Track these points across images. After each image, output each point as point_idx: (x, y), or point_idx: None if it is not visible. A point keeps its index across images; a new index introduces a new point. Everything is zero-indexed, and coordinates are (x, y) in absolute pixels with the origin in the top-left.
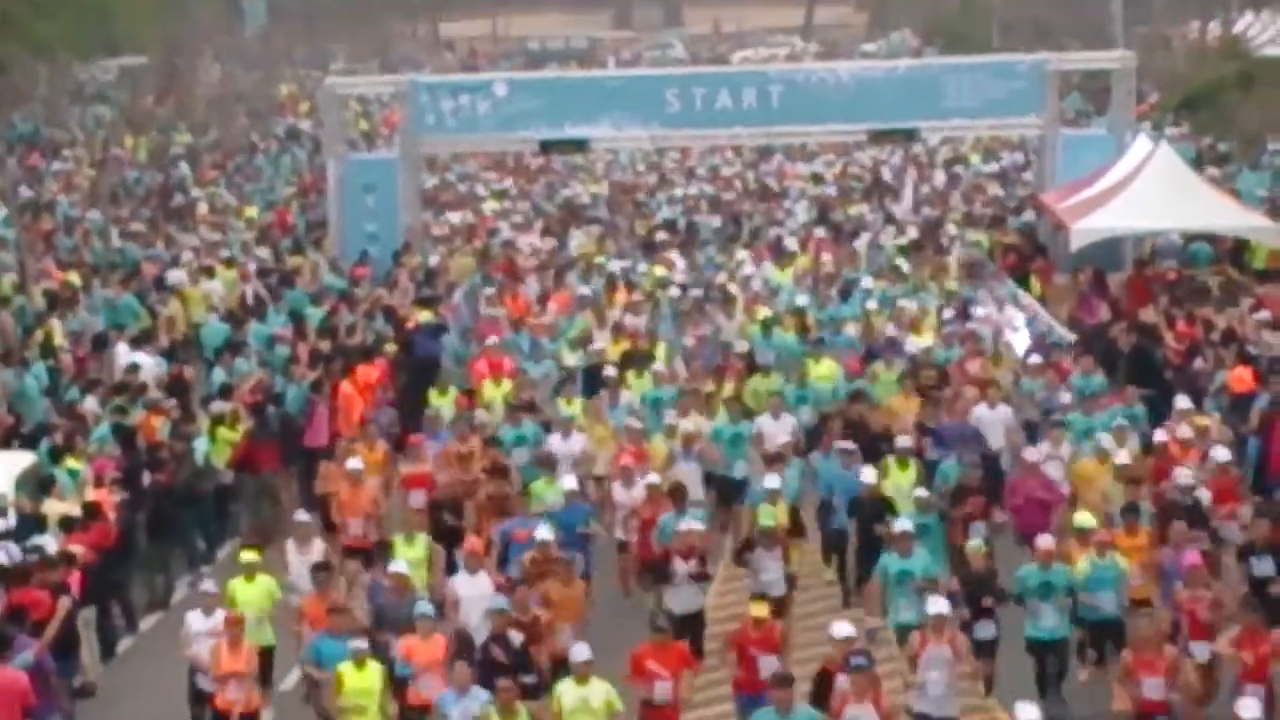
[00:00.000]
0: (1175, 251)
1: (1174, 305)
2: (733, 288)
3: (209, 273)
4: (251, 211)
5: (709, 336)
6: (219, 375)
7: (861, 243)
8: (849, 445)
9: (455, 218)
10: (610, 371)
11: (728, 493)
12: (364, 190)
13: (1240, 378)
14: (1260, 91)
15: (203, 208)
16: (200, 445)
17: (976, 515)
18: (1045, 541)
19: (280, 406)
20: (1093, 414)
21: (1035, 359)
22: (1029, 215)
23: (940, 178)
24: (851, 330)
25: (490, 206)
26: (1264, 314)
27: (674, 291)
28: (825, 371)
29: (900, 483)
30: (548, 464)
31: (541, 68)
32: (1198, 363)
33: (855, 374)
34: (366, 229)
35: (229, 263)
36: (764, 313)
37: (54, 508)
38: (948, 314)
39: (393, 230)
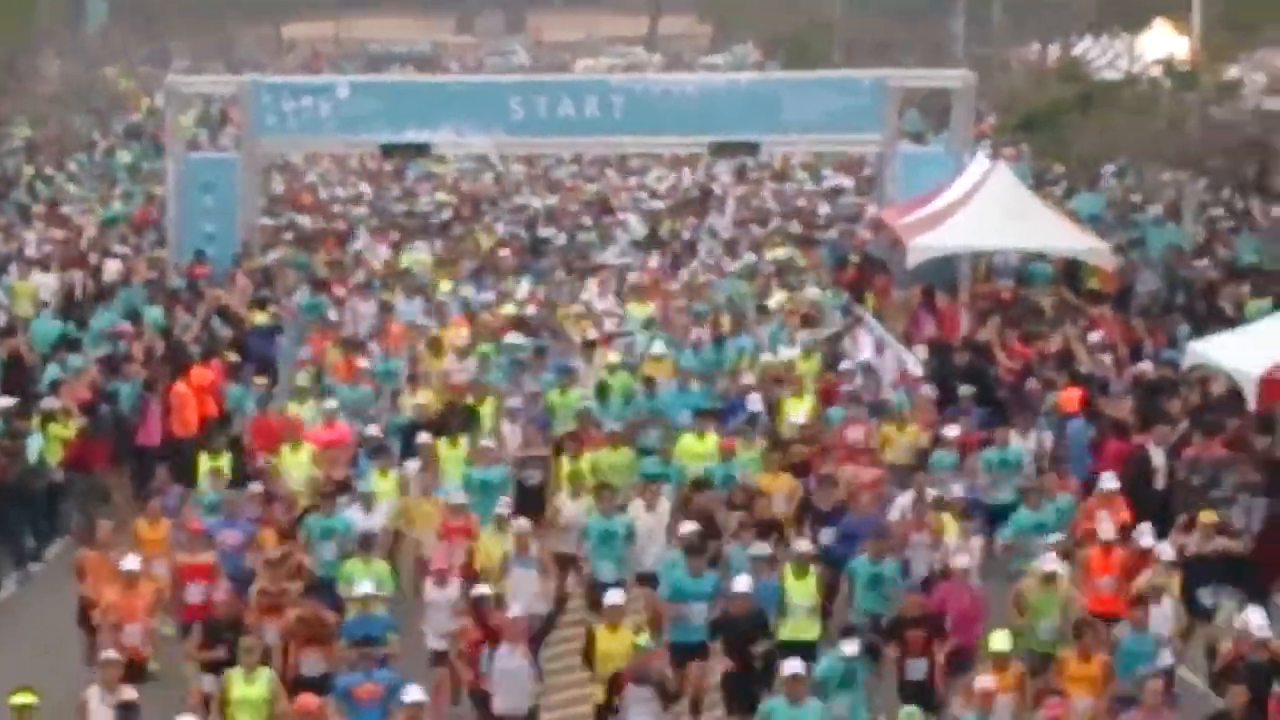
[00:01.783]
0: (1011, 271)
1: (1008, 325)
2: (590, 330)
3: (44, 267)
4: (116, 206)
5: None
6: (52, 371)
7: (696, 266)
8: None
9: (306, 221)
10: (424, 438)
11: (597, 596)
12: (203, 190)
13: (1070, 399)
14: (1098, 114)
15: (39, 206)
16: (33, 442)
17: (917, 652)
18: (983, 683)
19: (113, 405)
20: (1038, 507)
21: (951, 431)
22: (840, 230)
23: (767, 193)
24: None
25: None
26: (1097, 335)
27: (511, 337)
28: (707, 448)
29: (799, 598)
30: (365, 545)
31: (383, 71)
32: (1030, 383)
33: (728, 453)
34: (205, 229)
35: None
36: (612, 359)
37: None
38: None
39: (231, 231)
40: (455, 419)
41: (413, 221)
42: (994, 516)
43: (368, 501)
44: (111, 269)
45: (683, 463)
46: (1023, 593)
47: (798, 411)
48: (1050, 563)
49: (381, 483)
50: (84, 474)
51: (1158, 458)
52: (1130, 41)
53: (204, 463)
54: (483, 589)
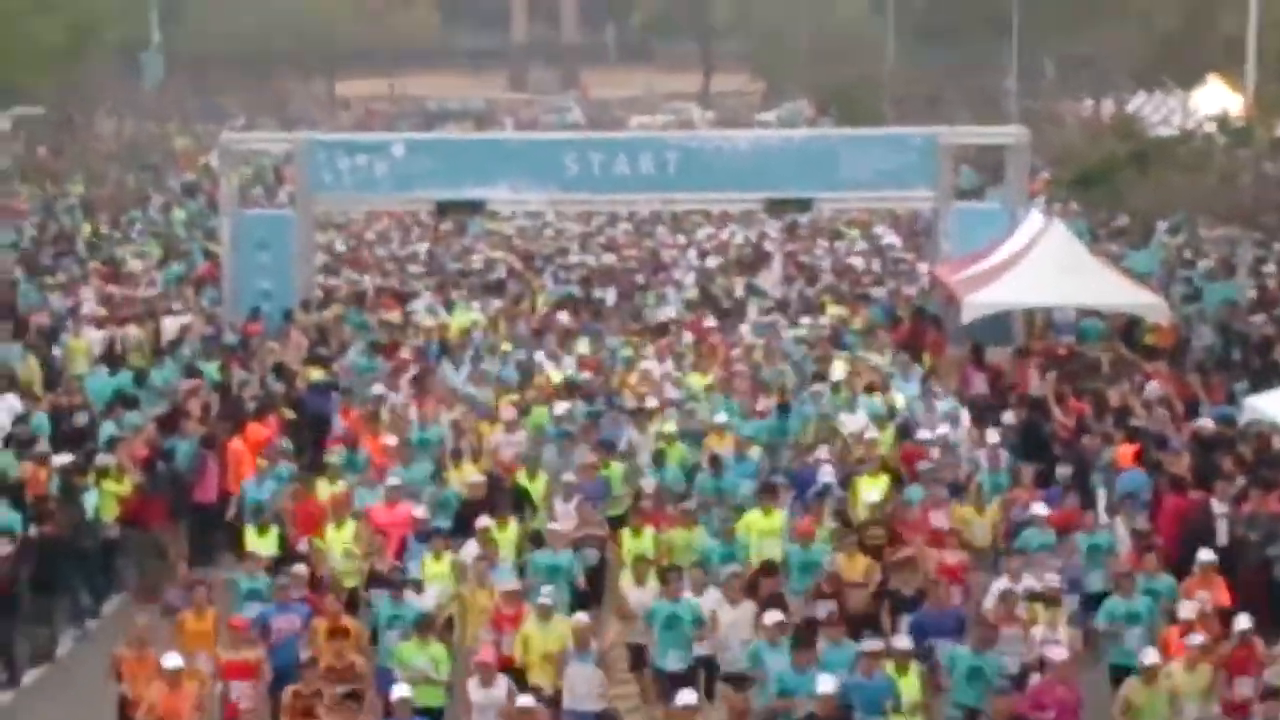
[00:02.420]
0: (1067, 327)
1: (1064, 381)
2: (648, 398)
3: (99, 325)
4: (174, 266)
5: (595, 467)
6: (109, 428)
7: (747, 328)
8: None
9: (365, 279)
10: (484, 522)
11: (667, 689)
12: (258, 246)
13: (1125, 454)
14: (1153, 170)
15: (95, 263)
16: (89, 499)
17: None
18: None
19: (170, 462)
20: (1130, 595)
21: (1040, 510)
22: (888, 289)
23: (820, 250)
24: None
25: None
26: (1154, 391)
27: (561, 407)
28: (774, 524)
29: (906, 696)
30: (422, 628)
31: (437, 128)
32: (1085, 439)
33: (807, 537)
34: (260, 285)
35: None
36: (668, 428)
37: None
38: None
39: (286, 287)
40: (504, 498)
41: (466, 280)
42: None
43: (418, 586)
44: (170, 327)
45: (748, 539)
46: (1126, 693)
47: (873, 490)
48: (1150, 656)
49: (434, 567)
50: (141, 530)
51: (1220, 512)
52: (1184, 98)
53: (250, 540)
54: (527, 700)
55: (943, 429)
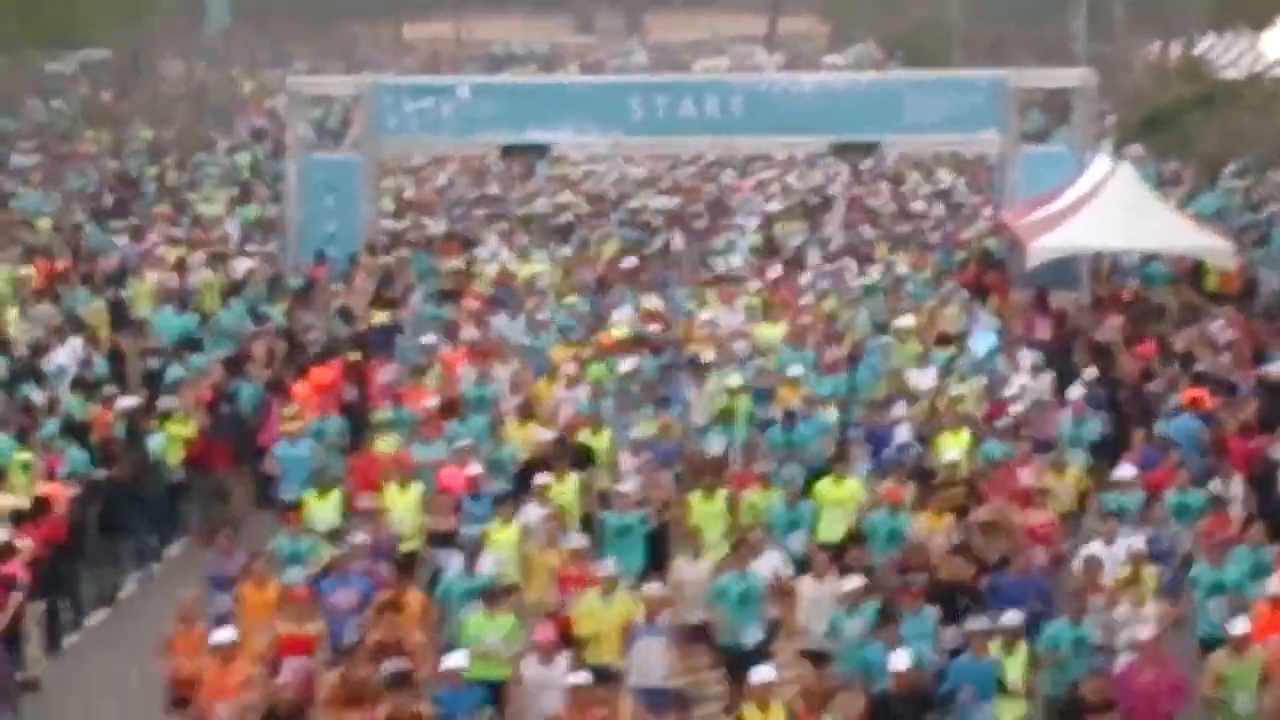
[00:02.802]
0: (1133, 271)
1: (1130, 325)
2: (707, 352)
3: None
4: (253, 208)
5: (670, 425)
6: (174, 371)
7: (812, 276)
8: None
9: (431, 224)
10: (543, 479)
11: (737, 667)
12: (325, 190)
13: (1196, 398)
14: (1220, 113)
15: (164, 206)
16: (154, 441)
17: None
18: None
19: (234, 405)
20: (1222, 564)
21: (1128, 471)
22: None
23: (882, 195)
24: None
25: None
26: (1222, 336)
27: (627, 363)
28: (846, 494)
29: (1012, 677)
30: (491, 598)
31: (503, 71)
32: (1152, 384)
33: (895, 504)
34: (326, 229)
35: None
36: (732, 381)
37: (4, 501)
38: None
39: (352, 231)
40: (566, 456)
41: (532, 225)
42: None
43: (475, 550)
44: (240, 268)
45: (819, 507)
46: (1215, 665)
47: (953, 448)
48: (1241, 626)
49: (502, 533)
50: (205, 474)
51: None
52: (1253, 40)
53: (311, 506)
54: (583, 677)
55: (1024, 380)
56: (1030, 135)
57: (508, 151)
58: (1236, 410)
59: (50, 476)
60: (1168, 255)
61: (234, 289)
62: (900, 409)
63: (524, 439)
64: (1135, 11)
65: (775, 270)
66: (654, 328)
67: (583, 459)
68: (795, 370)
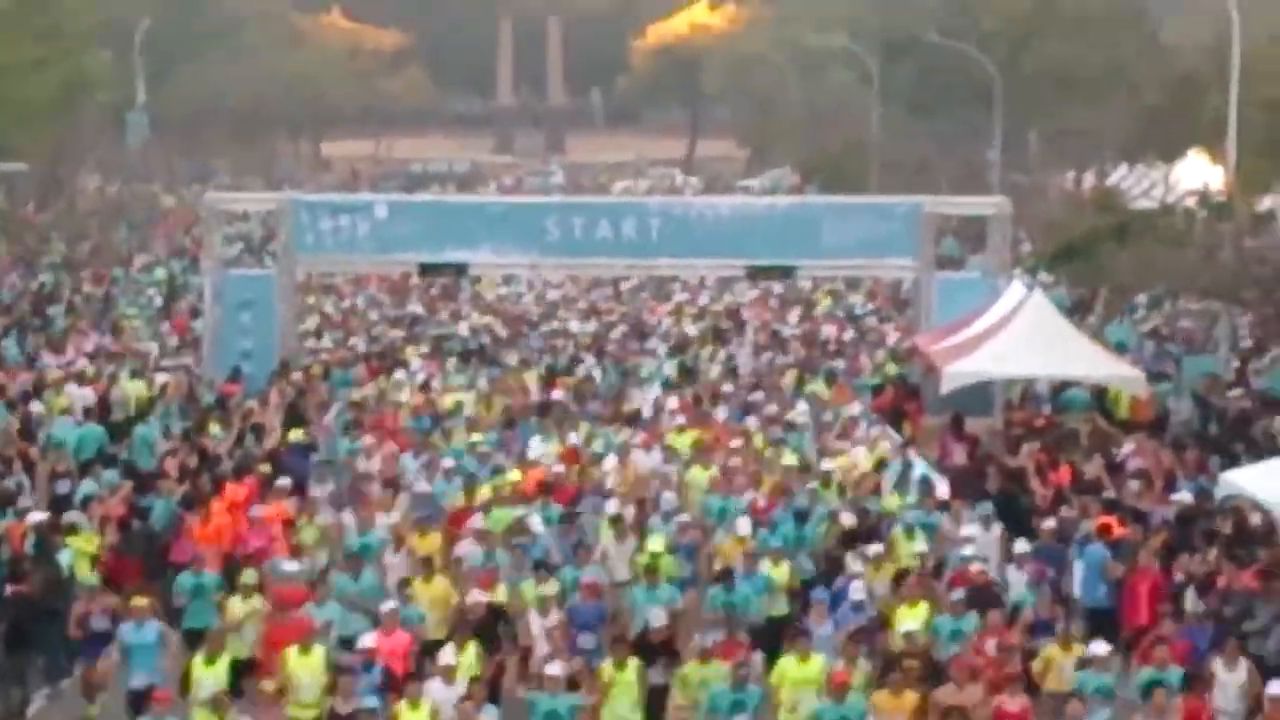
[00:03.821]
0: (1046, 398)
1: (1043, 452)
2: (627, 507)
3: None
4: (136, 321)
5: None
6: (86, 486)
7: (734, 408)
8: None
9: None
10: (447, 658)
11: None
12: (240, 307)
13: (1107, 525)
14: (1133, 243)
15: (81, 320)
16: (65, 557)
17: None
18: None
19: (146, 521)
20: None
21: (1101, 648)
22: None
23: (793, 318)
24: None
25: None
26: (1133, 464)
27: (533, 517)
28: (812, 673)
29: None
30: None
31: (421, 190)
32: (1064, 510)
33: (841, 689)
34: (242, 345)
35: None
36: (655, 544)
37: None
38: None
39: (268, 348)
40: (468, 625)
41: (448, 346)
42: None
43: None
44: (155, 383)
45: (779, 690)
46: None
47: (910, 619)
48: None
49: (410, 716)
50: (115, 590)
51: (1189, 590)
52: (1166, 171)
53: (198, 671)
54: None
55: (970, 529)
56: (946, 262)
57: (425, 270)
58: (1146, 539)
59: None
60: (1080, 383)
61: (150, 404)
62: (856, 563)
63: (430, 598)
64: (1050, 142)
65: (693, 404)
66: (566, 470)
67: (487, 622)
68: (744, 527)
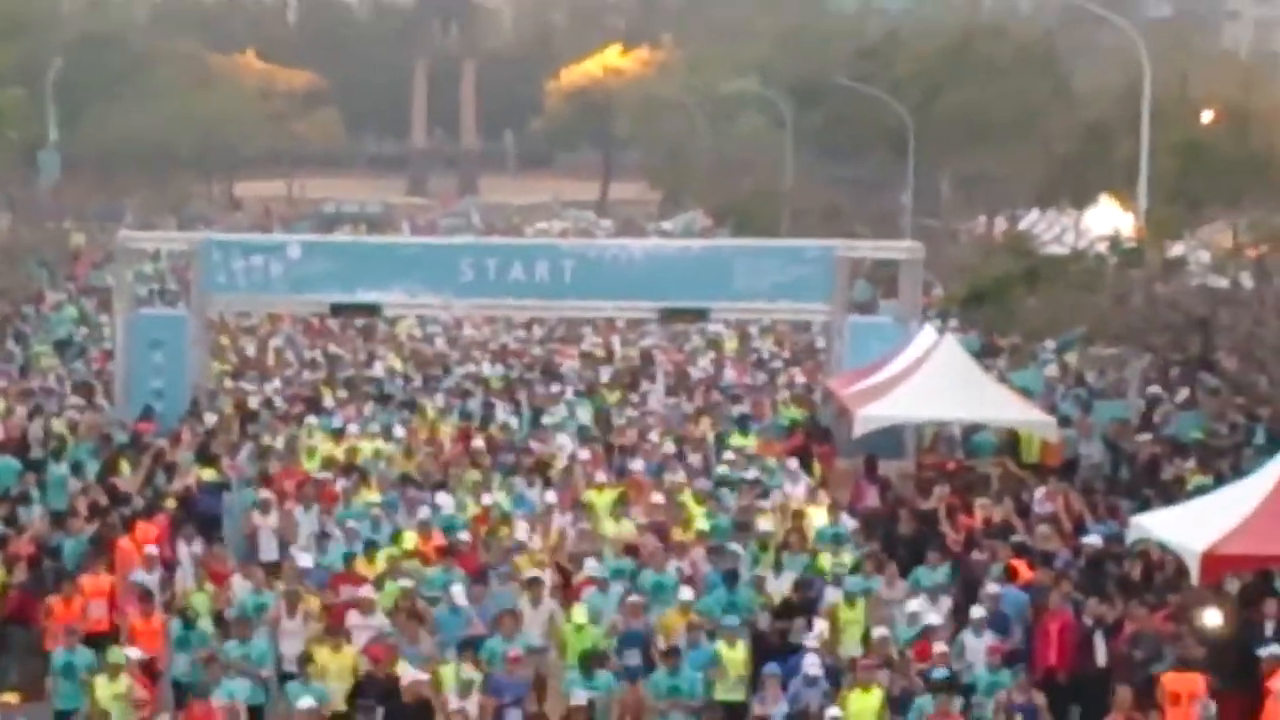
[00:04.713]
0: (957, 442)
1: (954, 495)
2: (539, 568)
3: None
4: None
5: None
6: None
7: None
8: None
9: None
10: None
11: None
12: (151, 346)
13: (1015, 568)
14: (1044, 288)
15: None
16: None
17: None
18: None
19: (57, 559)
20: None
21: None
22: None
23: (703, 362)
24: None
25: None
26: (1043, 507)
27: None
28: None
29: None
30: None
31: (335, 230)
32: (974, 553)
33: None
34: (152, 385)
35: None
36: (579, 615)
37: None
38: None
39: (180, 387)
40: (370, 700)
41: (365, 390)
42: None
43: None
44: (64, 422)
45: None
46: None
47: (865, 707)
48: None
49: None
50: (25, 628)
51: (1097, 635)
52: (1076, 217)
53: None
54: None
55: (916, 604)
56: (857, 305)
57: (337, 310)
58: (1055, 582)
59: None
60: (992, 426)
61: (61, 443)
62: (809, 638)
63: (338, 668)
64: (962, 186)
65: (606, 455)
66: (473, 533)
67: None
68: (686, 594)
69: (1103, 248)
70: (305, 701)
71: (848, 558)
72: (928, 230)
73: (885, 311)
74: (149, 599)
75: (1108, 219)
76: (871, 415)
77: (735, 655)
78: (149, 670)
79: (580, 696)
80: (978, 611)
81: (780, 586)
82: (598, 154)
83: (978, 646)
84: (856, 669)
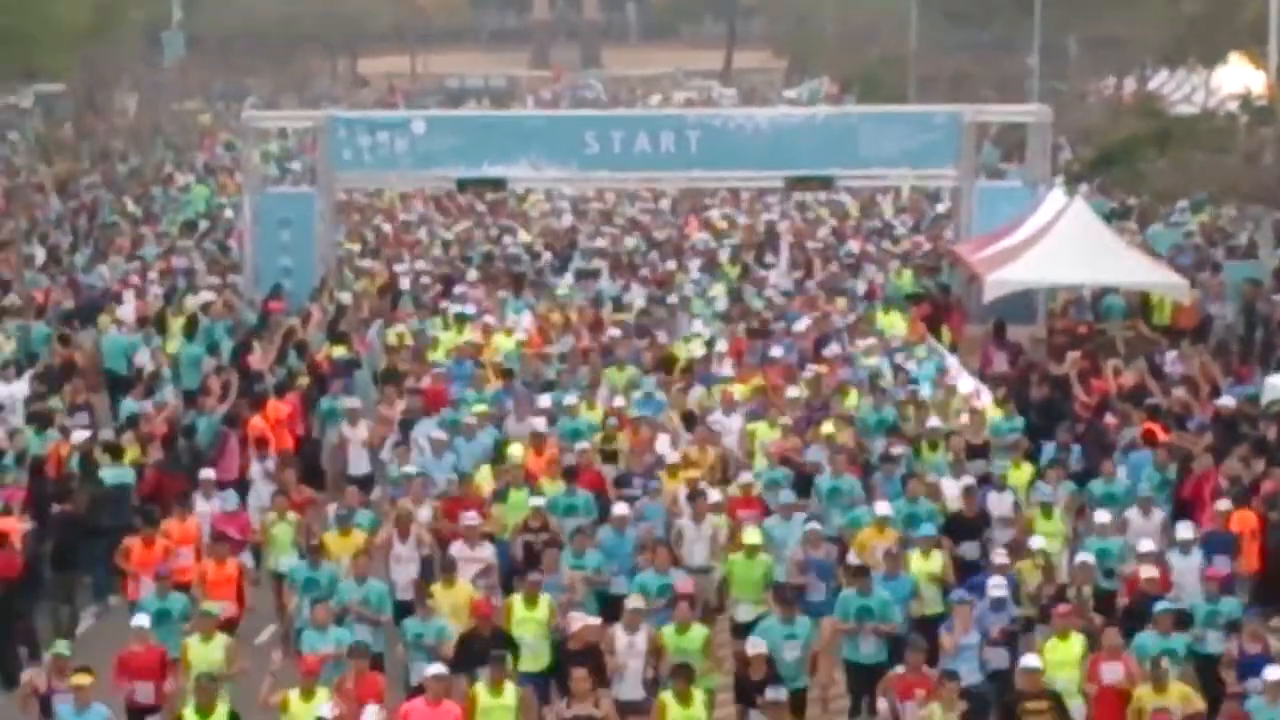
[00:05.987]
0: (1088, 306)
1: (1085, 359)
2: (699, 478)
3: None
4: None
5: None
6: (129, 405)
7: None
8: None
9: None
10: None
11: None
12: (280, 225)
13: (1151, 431)
14: (1174, 149)
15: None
16: (109, 475)
17: None
18: None
19: (191, 439)
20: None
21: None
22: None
23: (824, 232)
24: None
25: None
26: (1176, 369)
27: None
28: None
29: None
30: None
31: (459, 106)
32: (1107, 417)
33: None
34: (281, 263)
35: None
36: (752, 535)
37: None
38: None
39: (308, 266)
40: (496, 648)
41: (497, 268)
42: None
43: None
44: (198, 302)
45: None
46: None
47: (1062, 652)
48: None
49: None
50: (162, 508)
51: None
52: (1206, 76)
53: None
54: None
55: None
56: (985, 170)
57: (462, 185)
58: (1189, 443)
59: (6, 511)
60: (1123, 289)
61: (193, 323)
62: (999, 554)
63: (452, 606)
64: (1090, 48)
65: (749, 341)
66: (620, 441)
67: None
68: (884, 508)
69: (1233, 106)
70: (432, 670)
71: (1025, 465)
72: (1055, 93)
73: (1013, 176)
74: (224, 540)
75: (1238, 78)
76: (1001, 280)
77: (930, 567)
78: (228, 628)
79: (759, 644)
80: (1186, 530)
81: (953, 493)
82: (721, 23)
83: (1188, 569)
84: (1054, 616)
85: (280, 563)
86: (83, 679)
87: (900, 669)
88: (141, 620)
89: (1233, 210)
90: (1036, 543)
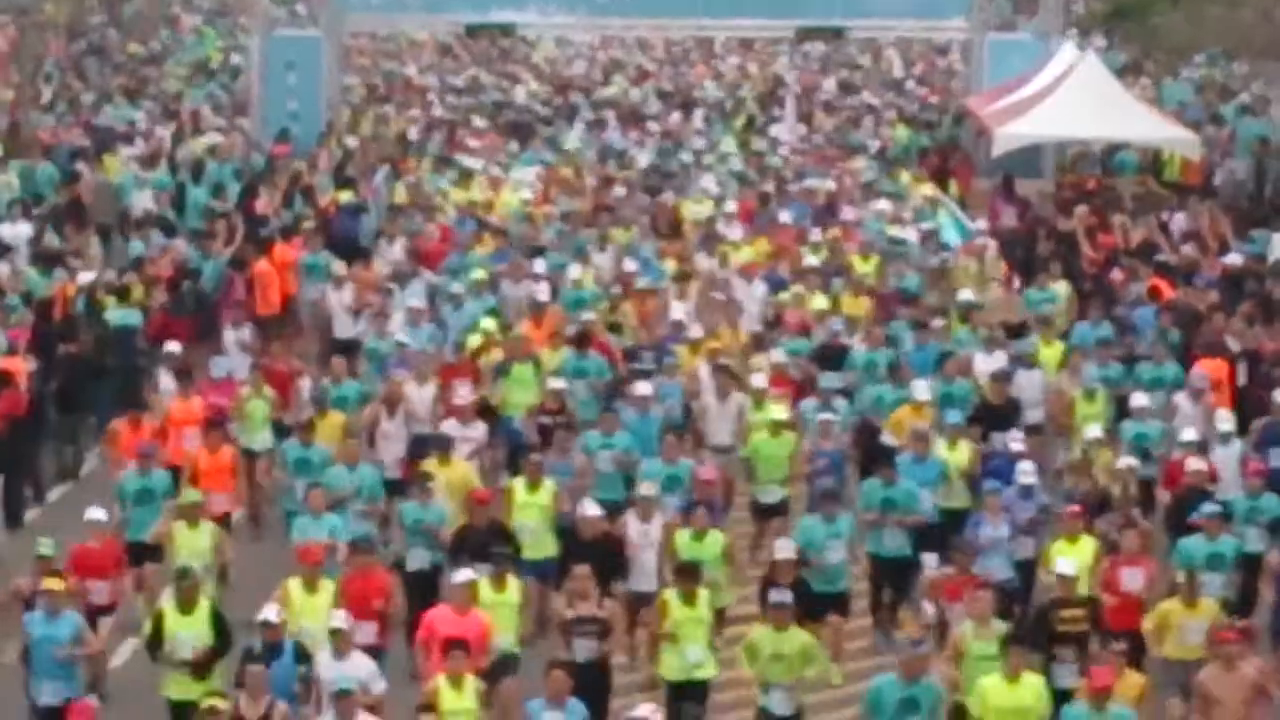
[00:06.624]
0: (1097, 160)
1: (1094, 214)
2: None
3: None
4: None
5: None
6: (136, 247)
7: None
8: None
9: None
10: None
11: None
12: (286, 68)
13: (1158, 287)
14: (1188, 4)
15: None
16: (114, 316)
17: None
18: None
19: (196, 281)
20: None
21: None
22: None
23: (830, 84)
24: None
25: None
26: (1183, 225)
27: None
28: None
29: None
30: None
31: None
32: (1114, 272)
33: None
34: (288, 107)
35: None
36: (778, 412)
37: None
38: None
39: (315, 110)
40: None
41: (506, 117)
42: None
43: None
44: (205, 144)
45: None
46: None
47: (1069, 558)
48: None
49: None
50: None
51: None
52: None
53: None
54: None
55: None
56: (996, 23)
57: (472, 30)
58: (1196, 299)
59: (11, 351)
60: (1133, 145)
61: (199, 165)
62: (1017, 440)
63: (448, 483)
64: None
65: (760, 205)
66: (626, 314)
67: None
68: (921, 389)
69: None
70: (461, 576)
71: (1057, 343)
72: None
73: (1025, 29)
74: (221, 425)
75: None
76: (1010, 134)
77: (958, 459)
78: (221, 523)
79: (788, 548)
80: (1225, 421)
81: (986, 369)
82: None
83: (1228, 459)
84: (1063, 517)
85: (255, 440)
86: (53, 583)
87: (947, 569)
88: (95, 513)
89: (1244, 66)
90: (1092, 432)
